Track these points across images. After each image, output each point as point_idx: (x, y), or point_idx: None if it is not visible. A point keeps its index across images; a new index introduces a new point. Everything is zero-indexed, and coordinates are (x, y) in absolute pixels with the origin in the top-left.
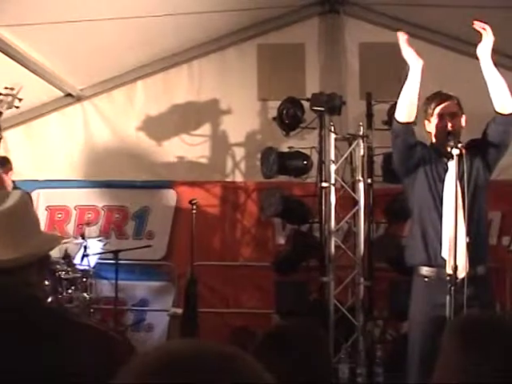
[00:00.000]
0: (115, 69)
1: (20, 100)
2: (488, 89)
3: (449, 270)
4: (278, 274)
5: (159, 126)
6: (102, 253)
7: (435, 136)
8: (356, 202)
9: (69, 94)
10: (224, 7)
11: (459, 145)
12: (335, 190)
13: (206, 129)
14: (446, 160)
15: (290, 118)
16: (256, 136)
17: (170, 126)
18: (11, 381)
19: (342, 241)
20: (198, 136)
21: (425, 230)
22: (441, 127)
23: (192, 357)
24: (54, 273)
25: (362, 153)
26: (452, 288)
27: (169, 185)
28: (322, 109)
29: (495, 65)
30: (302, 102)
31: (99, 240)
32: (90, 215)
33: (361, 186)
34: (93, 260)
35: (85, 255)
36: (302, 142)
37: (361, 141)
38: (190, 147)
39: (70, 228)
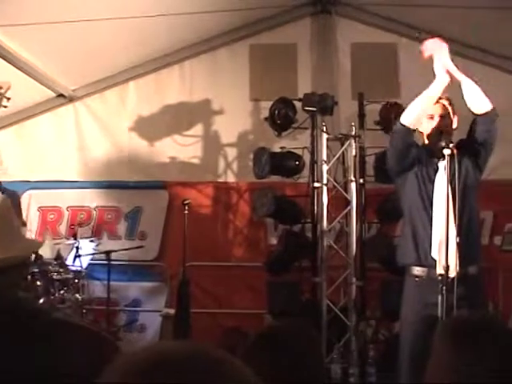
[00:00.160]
0: (107, 69)
1: (8, 99)
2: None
3: (440, 270)
4: (270, 274)
5: (151, 127)
6: (95, 253)
7: (427, 136)
8: (348, 202)
9: (61, 95)
10: (215, 8)
11: (450, 145)
12: (327, 190)
13: (198, 129)
14: (436, 160)
15: (282, 118)
16: (248, 136)
17: (162, 127)
18: (4, 382)
19: (334, 241)
20: (190, 136)
21: (415, 230)
22: (432, 128)
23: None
24: (46, 274)
25: (354, 153)
26: (443, 288)
27: (161, 185)
28: (314, 109)
29: (491, 66)
30: (294, 102)
31: (91, 241)
32: (82, 216)
33: (353, 186)
34: (85, 261)
35: (77, 256)
36: (294, 142)
37: (353, 141)
38: (183, 148)
39: (62, 229)
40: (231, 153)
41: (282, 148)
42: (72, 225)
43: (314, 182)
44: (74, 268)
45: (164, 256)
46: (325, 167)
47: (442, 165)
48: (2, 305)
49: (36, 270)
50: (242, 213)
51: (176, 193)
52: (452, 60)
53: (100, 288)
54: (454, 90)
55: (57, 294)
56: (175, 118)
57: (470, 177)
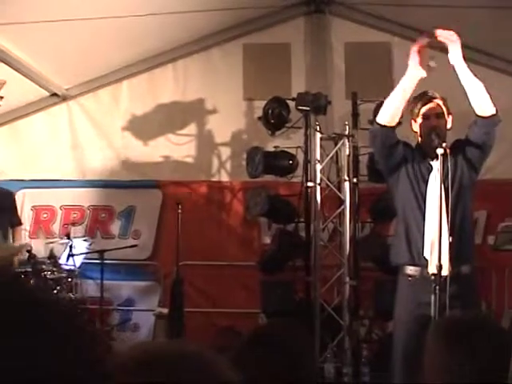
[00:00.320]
0: (101, 69)
1: (1, 98)
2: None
3: (433, 270)
4: (263, 273)
5: (145, 126)
6: (88, 252)
7: (420, 136)
8: (342, 202)
9: (54, 94)
10: (207, 7)
11: (443, 144)
12: (321, 189)
13: (191, 128)
14: (430, 160)
15: (275, 118)
16: (242, 136)
17: (156, 126)
18: None
19: (327, 240)
20: (183, 136)
21: (409, 230)
22: (426, 127)
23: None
24: (39, 273)
25: (347, 152)
26: (436, 287)
27: (154, 184)
28: (308, 108)
29: (487, 66)
30: (288, 101)
31: (85, 240)
32: (75, 215)
33: (346, 185)
34: (78, 260)
35: (70, 255)
36: (288, 141)
37: (346, 140)
38: (176, 147)
39: (56, 228)
40: (225, 152)
41: (275, 147)
42: (65, 224)
43: (307, 181)
44: (67, 267)
45: (157, 255)
46: (318, 166)
47: (436, 164)
48: None
49: (29, 269)
50: (236, 212)
51: (169, 192)
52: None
53: (93, 287)
54: (453, 90)
55: None
56: (169, 118)
57: (465, 177)
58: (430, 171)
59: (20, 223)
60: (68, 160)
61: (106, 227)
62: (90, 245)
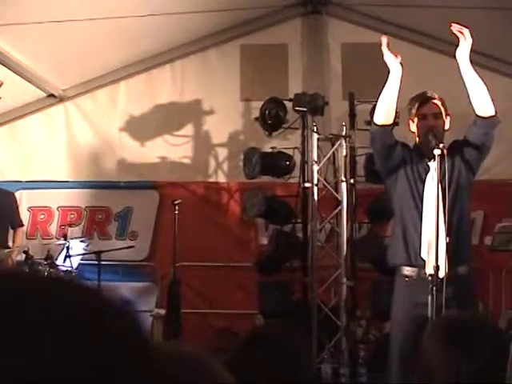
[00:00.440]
0: (98, 69)
1: None
2: (467, 92)
3: (430, 270)
4: (260, 274)
5: (142, 127)
6: (85, 253)
7: (418, 136)
8: (339, 202)
9: (51, 95)
10: (204, 8)
11: (441, 145)
12: (318, 190)
13: (188, 129)
14: (427, 160)
15: (272, 119)
16: (239, 136)
17: (153, 127)
18: None
19: (324, 241)
20: (180, 136)
21: (406, 230)
22: (423, 127)
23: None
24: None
25: (344, 153)
26: (433, 288)
27: (151, 185)
28: (305, 109)
29: (483, 67)
30: (285, 102)
31: (82, 241)
32: (72, 216)
33: (343, 186)
34: (75, 261)
35: (67, 256)
36: (285, 142)
37: (343, 141)
38: (173, 148)
39: (53, 229)
40: (222, 153)
41: (272, 148)
42: (62, 225)
43: (304, 182)
44: (64, 268)
45: (154, 256)
46: (315, 167)
47: (433, 165)
48: None
49: (26, 270)
50: (233, 213)
51: (166, 193)
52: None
53: None
54: (452, 91)
55: None
56: (166, 118)
57: (462, 178)
58: (428, 172)
59: (20, 225)
60: (65, 161)
61: (103, 228)
62: (87, 246)
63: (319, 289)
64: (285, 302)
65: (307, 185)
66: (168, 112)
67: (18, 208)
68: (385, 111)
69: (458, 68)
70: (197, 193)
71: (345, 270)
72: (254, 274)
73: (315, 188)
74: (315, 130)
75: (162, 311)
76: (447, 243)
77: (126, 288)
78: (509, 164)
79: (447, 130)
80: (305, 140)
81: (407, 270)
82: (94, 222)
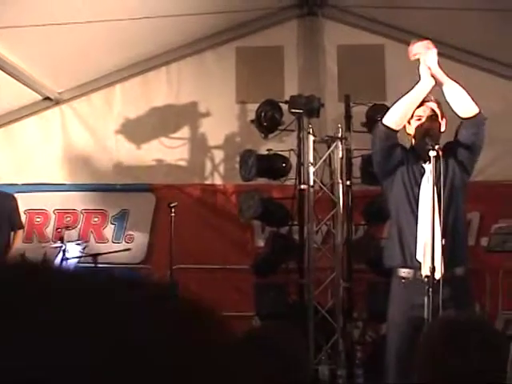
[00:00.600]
0: (93, 72)
1: None
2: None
3: (426, 272)
4: (257, 276)
5: (138, 130)
6: (81, 256)
7: (414, 138)
8: (335, 204)
9: (47, 98)
10: (200, 10)
11: (436, 146)
12: (314, 192)
13: (184, 132)
14: (422, 162)
15: (268, 121)
16: (235, 139)
17: (149, 130)
18: None
19: (321, 243)
20: (176, 139)
21: (402, 232)
22: (419, 129)
23: None
24: None
25: (340, 155)
26: (430, 289)
27: (148, 188)
28: (301, 111)
29: (477, 68)
30: (281, 104)
31: (78, 244)
32: (68, 219)
33: (339, 187)
34: (72, 264)
35: (64, 259)
36: (281, 144)
37: (339, 143)
38: (169, 150)
39: (49, 232)
40: (218, 155)
41: (268, 150)
42: (58, 228)
43: (300, 184)
44: None
45: (151, 259)
46: (311, 169)
47: (429, 167)
48: None
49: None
50: (229, 215)
51: (163, 195)
52: (439, 62)
53: None
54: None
55: None
56: (162, 121)
57: (456, 179)
58: (423, 174)
59: (20, 227)
60: (61, 164)
61: (100, 231)
62: (84, 249)
63: (316, 290)
64: (281, 303)
65: (303, 187)
66: (164, 114)
67: (17, 210)
68: (398, 118)
69: (456, 69)
70: (193, 195)
71: (341, 271)
72: (251, 276)
73: (311, 190)
74: (311, 131)
75: None
76: (443, 244)
77: None
78: (504, 165)
79: (443, 132)
80: (301, 142)
81: (403, 272)
82: (91, 225)
